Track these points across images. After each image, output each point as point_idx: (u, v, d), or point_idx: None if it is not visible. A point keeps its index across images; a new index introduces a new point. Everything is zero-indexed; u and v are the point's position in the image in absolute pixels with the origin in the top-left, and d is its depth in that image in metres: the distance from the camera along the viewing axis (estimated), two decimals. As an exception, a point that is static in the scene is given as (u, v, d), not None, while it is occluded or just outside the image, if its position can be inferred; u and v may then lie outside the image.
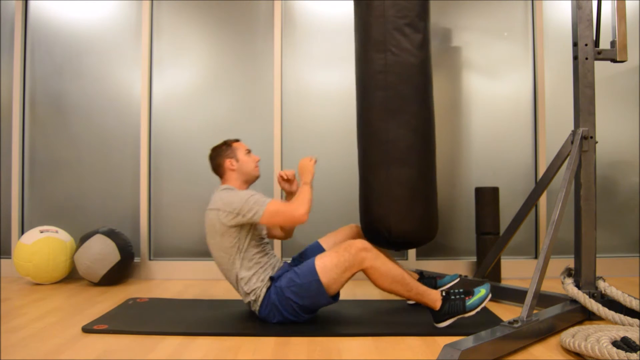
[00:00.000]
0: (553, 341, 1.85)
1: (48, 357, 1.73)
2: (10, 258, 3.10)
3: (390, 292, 2.02)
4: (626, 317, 1.95)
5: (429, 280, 2.35)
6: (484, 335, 1.67)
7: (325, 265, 1.98)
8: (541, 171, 3.02)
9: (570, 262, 2.29)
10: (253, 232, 2.12)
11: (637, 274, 3.02)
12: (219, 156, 2.24)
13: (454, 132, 3.14)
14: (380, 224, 2.19)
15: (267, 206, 2.01)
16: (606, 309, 1.99)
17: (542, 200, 3.04)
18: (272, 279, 2.09)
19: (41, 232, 2.90)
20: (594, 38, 2.19)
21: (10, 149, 3.18)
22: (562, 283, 2.16)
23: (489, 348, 1.62)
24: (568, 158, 2.17)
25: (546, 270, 1.94)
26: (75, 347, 1.83)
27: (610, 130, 3.11)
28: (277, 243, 3.06)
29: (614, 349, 1.57)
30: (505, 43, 3.14)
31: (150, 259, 3.12)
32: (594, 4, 2.24)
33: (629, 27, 3.01)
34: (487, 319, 2.07)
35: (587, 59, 2.18)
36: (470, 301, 1.97)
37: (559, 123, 3.09)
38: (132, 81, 3.18)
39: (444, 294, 2.01)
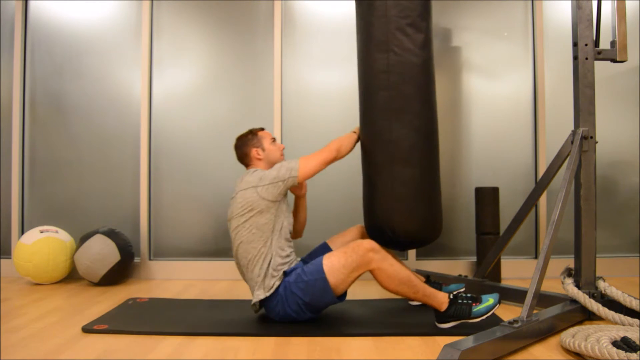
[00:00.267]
0: (553, 341, 1.85)
1: (48, 357, 1.73)
2: (10, 258, 3.10)
3: (396, 293, 2.02)
4: (626, 317, 1.95)
5: (435, 285, 2.35)
6: (484, 335, 1.67)
7: (332, 265, 1.98)
8: (541, 171, 3.02)
9: (570, 262, 2.29)
10: (287, 218, 2.15)
11: (637, 274, 3.02)
12: (245, 145, 2.24)
13: (454, 132, 3.14)
14: (383, 224, 2.19)
15: (298, 160, 2.11)
16: (606, 309, 1.99)
17: (542, 200, 3.04)
18: (285, 273, 2.09)
19: (41, 232, 2.90)
20: (594, 38, 2.19)
21: (10, 149, 3.18)
22: (562, 283, 2.16)
23: (489, 348, 1.62)
24: (568, 158, 2.17)
25: (546, 270, 1.94)
26: (75, 347, 1.83)
27: (610, 130, 3.11)
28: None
29: (614, 349, 1.57)
30: (505, 43, 3.14)
31: (150, 259, 3.12)
32: (594, 4, 2.24)
33: (629, 27, 3.01)
34: (487, 319, 2.07)
35: (587, 59, 2.18)
36: (477, 308, 1.97)
37: (559, 123, 3.09)
38: (132, 81, 3.18)
39: (452, 296, 2.01)
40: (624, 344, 1.61)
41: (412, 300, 2.20)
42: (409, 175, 2.17)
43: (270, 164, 2.22)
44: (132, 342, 1.89)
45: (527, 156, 3.12)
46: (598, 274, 2.17)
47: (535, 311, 1.90)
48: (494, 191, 2.82)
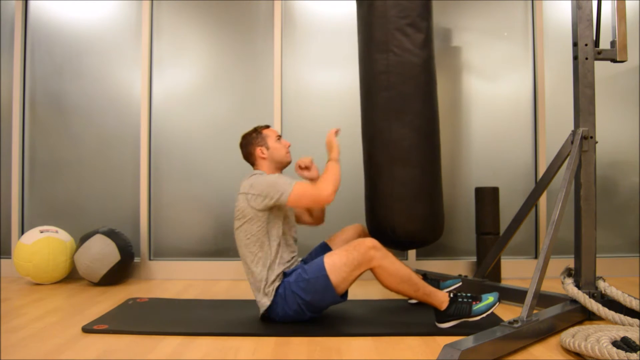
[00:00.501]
0: (553, 341, 1.85)
1: (48, 357, 1.73)
2: (10, 258, 3.10)
3: (397, 292, 2.02)
4: (626, 317, 1.95)
5: (432, 282, 2.35)
6: (484, 335, 1.67)
7: (334, 264, 1.98)
8: (541, 171, 3.02)
9: (570, 262, 2.29)
10: (283, 224, 2.12)
11: (637, 274, 3.02)
12: (249, 144, 2.21)
13: (454, 132, 3.14)
14: (384, 224, 2.19)
15: (293, 187, 2.02)
16: (606, 309, 1.99)
17: (542, 200, 3.04)
18: (284, 274, 2.09)
19: (41, 232, 2.89)
20: (594, 38, 2.19)
21: (10, 149, 3.18)
22: (562, 283, 2.16)
23: (489, 348, 1.62)
24: (568, 158, 2.17)
25: (546, 270, 1.94)
26: (75, 347, 1.83)
27: (610, 130, 3.11)
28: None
29: (614, 349, 1.57)
30: (505, 43, 3.14)
31: (150, 259, 3.12)
32: (594, 4, 2.24)
33: (629, 27, 3.01)
34: (487, 319, 2.07)
35: (587, 59, 2.18)
36: (477, 306, 1.97)
37: (559, 123, 3.09)
38: (132, 81, 3.18)
39: (451, 295, 2.01)
40: (624, 344, 1.61)
41: (412, 299, 2.20)
42: (409, 175, 2.17)
43: (276, 163, 2.20)
44: (132, 342, 1.89)
45: (527, 156, 3.12)
46: (598, 274, 2.17)
47: (535, 311, 1.90)
48: (494, 191, 2.82)
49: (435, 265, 3.03)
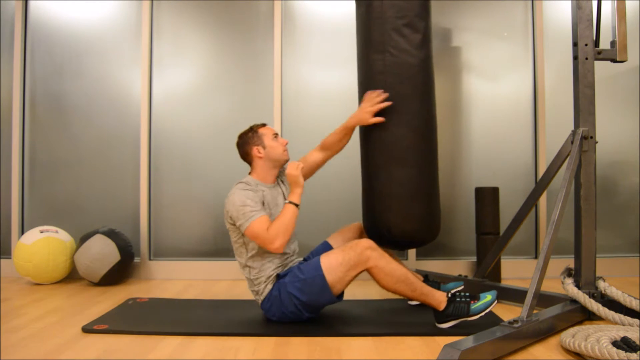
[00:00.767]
0: (553, 341, 1.85)
1: (48, 357, 1.73)
2: (10, 258, 3.10)
3: (394, 292, 2.02)
4: (626, 317, 1.95)
5: (433, 284, 2.35)
6: (484, 335, 1.67)
7: (330, 263, 1.98)
8: (541, 171, 3.02)
9: (570, 262, 2.29)
10: None
11: (637, 274, 3.02)
12: (246, 144, 2.19)
13: (454, 132, 3.14)
14: (380, 224, 2.20)
15: (250, 224, 1.99)
16: (606, 309, 1.99)
17: (542, 200, 3.04)
18: (278, 276, 2.09)
19: (41, 232, 2.89)
20: (594, 38, 2.18)
21: (10, 149, 3.18)
22: (562, 283, 2.16)
23: (489, 348, 1.62)
24: (568, 158, 2.17)
25: (546, 270, 1.94)
26: (75, 347, 1.83)
27: (610, 130, 3.11)
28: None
29: (614, 349, 1.57)
30: (505, 43, 3.14)
31: (150, 259, 3.12)
32: (594, 4, 2.24)
33: (629, 27, 3.01)
34: (487, 319, 2.07)
35: (587, 59, 2.18)
36: (475, 305, 1.97)
37: (559, 123, 3.09)
38: (132, 81, 3.18)
39: (449, 295, 2.01)
40: (624, 344, 1.61)
41: (411, 299, 2.20)
42: (406, 176, 2.17)
43: (273, 161, 2.18)
44: (132, 342, 1.89)
45: (527, 156, 3.12)
46: (598, 274, 2.17)
47: (535, 311, 1.90)
48: (494, 191, 2.82)
49: (435, 266, 3.03)
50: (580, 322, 2.07)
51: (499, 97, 3.13)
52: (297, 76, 3.16)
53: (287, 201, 2.08)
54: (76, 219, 3.16)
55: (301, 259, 2.32)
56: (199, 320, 2.14)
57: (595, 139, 2.17)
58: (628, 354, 1.53)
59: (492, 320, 2.04)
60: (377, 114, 2.16)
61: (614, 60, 2.23)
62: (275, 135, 2.22)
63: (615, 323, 1.95)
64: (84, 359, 1.71)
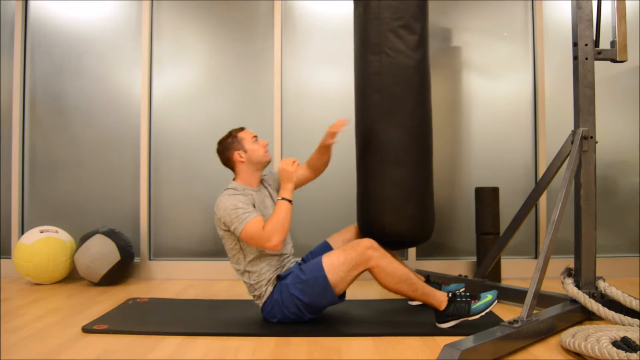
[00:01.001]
0: (553, 341, 1.85)
1: (48, 357, 1.73)
2: (10, 258, 3.10)
3: (395, 292, 2.02)
4: (626, 317, 1.95)
5: (434, 285, 2.35)
6: (484, 335, 1.67)
7: (332, 263, 1.98)
8: (541, 171, 3.02)
9: (570, 262, 2.29)
10: None
11: (637, 274, 3.02)
12: (226, 150, 2.17)
13: (454, 132, 3.14)
14: (374, 223, 2.20)
15: (245, 226, 1.97)
16: (606, 309, 1.99)
17: (542, 200, 3.04)
18: (279, 277, 2.09)
19: (41, 232, 2.89)
20: (594, 38, 2.18)
21: (10, 149, 3.18)
22: (562, 283, 2.16)
23: (489, 348, 1.62)
24: (568, 158, 2.17)
25: (546, 270, 1.94)
26: (75, 347, 1.83)
27: (610, 130, 3.11)
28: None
29: (614, 349, 1.57)
30: (505, 43, 3.14)
31: (150, 259, 3.12)
32: (594, 4, 2.24)
33: (629, 27, 3.01)
34: (487, 319, 2.07)
35: (587, 59, 2.18)
36: (475, 305, 1.97)
37: (559, 123, 3.09)
38: (132, 81, 3.18)
39: (450, 295, 2.01)
40: (624, 344, 1.61)
41: (412, 299, 2.20)
42: (400, 176, 2.18)
43: (255, 164, 2.16)
44: (132, 342, 1.89)
45: (527, 156, 3.12)
46: (598, 274, 2.17)
47: (535, 311, 1.90)
48: (494, 191, 2.82)
49: (435, 266, 3.03)
50: (580, 322, 2.06)
51: (499, 97, 3.13)
52: (297, 76, 3.16)
53: (279, 198, 2.07)
54: (76, 219, 3.16)
55: (298, 259, 2.31)
56: (199, 320, 2.14)
57: (595, 139, 2.17)
58: (628, 354, 1.53)
59: (492, 320, 2.04)
60: (375, 115, 2.17)
61: (614, 60, 2.23)
62: (255, 137, 2.20)
63: (615, 323, 1.95)
64: (84, 359, 1.71)
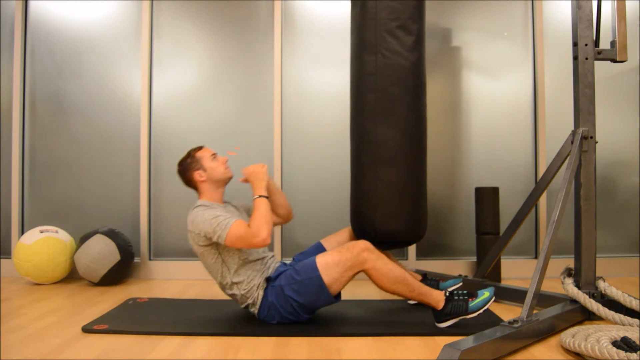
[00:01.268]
0: (553, 341, 1.85)
1: (48, 357, 1.73)
2: (10, 258, 3.10)
3: (392, 292, 2.02)
4: (626, 317, 1.95)
5: (432, 282, 2.35)
6: (484, 335, 1.67)
7: (327, 263, 1.98)
8: (541, 171, 3.02)
9: (570, 262, 2.29)
10: (237, 252, 2.08)
11: (637, 274, 3.02)
12: (186, 171, 2.19)
13: (454, 132, 3.14)
14: (366, 223, 2.21)
15: (229, 230, 1.96)
16: (606, 309, 1.99)
17: (542, 200, 3.04)
18: (268, 279, 2.08)
19: (41, 232, 2.89)
20: (594, 38, 2.19)
21: (10, 149, 3.18)
22: (562, 283, 2.16)
23: (489, 348, 1.62)
24: (568, 158, 2.17)
25: (546, 270, 1.94)
26: (75, 347, 1.83)
27: (610, 130, 3.11)
28: (277, 244, 3.05)
29: (614, 349, 1.57)
30: (505, 43, 3.14)
31: (150, 259, 3.12)
32: (594, 4, 2.24)
33: (629, 27, 3.01)
34: (487, 319, 2.07)
35: (587, 59, 2.18)
36: (473, 303, 1.97)
37: (559, 123, 3.09)
38: (132, 81, 3.18)
39: (447, 294, 2.01)
40: (624, 344, 1.61)
41: (410, 299, 2.20)
42: (393, 177, 2.18)
43: (216, 182, 2.17)
44: (132, 342, 1.89)
45: (527, 156, 3.12)
46: (598, 274, 2.17)
47: (535, 311, 1.90)
48: (494, 191, 2.82)
49: (435, 265, 3.03)
50: (580, 322, 2.07)
51: (499, 97, 3.13)
52: (297, 76, 3.16)
53: (255, 197, 2.07)
54: (76, 219, 3.16)
55: (288, 259, 2.30)
56: (199, 320, 2.14)
57: (595, 139, 2.17)
58: (628, 354, 1.53)
59: (492, 320, 2.04)
60: (370, 115, 2.18)
61: (614, 60, 2.23)
62: (214, 155, 2.21)
63: (615, 323, 1.95)
64: (84, 359, 1.71)
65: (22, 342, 1.89)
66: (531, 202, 2.41)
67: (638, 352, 1.54)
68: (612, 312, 1.97)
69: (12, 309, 2.37)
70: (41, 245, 2.84)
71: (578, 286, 2.13)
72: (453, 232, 3.11)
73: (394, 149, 2.18)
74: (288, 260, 2.39)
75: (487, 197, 2.82)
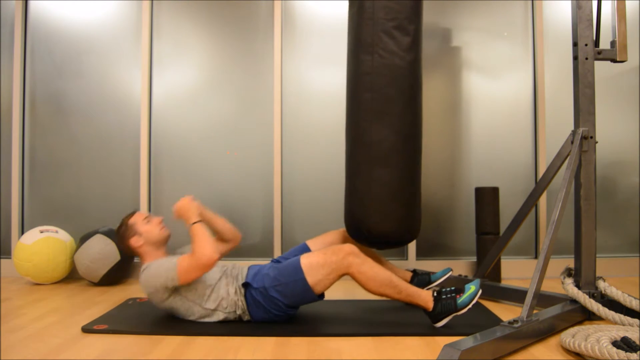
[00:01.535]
0: (553, 341, 1.85)
1: (48, 357, 1.73)
2: (10, 258, 3.10)
3: (380, 295, 2.02)
4: (626, 317, 1.94)
5: (423, 276, 2.35)
6: (484, 335, 1.67)
7: (311, 264, 1.98)
8: (541, 171, 3.02)
9: (570, 262, 2.29)
10: (197, 285, 2.06)
11: (637, 274, 3.02)
12: (123, 239, 2.21)
13: (454, 132, 3.14)
14: (360, 223, 2.21)
15: (177, 267, 1.97)
16: (606, 309, 1.99)
17: (542, 200, 3.04)
18: (245, 285, 2.07)
19: (41, 232, 2.89)
20: (594, 38, 2.19)
21: (10, 149, 3.18)
22: (562, 283, 2.16)
23: (489, 348, 1.62)
24: (568, 158, 2.17)
25: (546, 270, 1.94)
26: (75, 347, 1.83)
27: (610, 130, 3.11)
28: (277, 244, 3.06)
29: (614, 349, 1.57)
30: (505, 43, 3.14)
31: (150, 259, 3.12)
32: (594, 4, 2.24)
33: (629, 27, 3.01)
34: (487, 319, 2.07)
35: (587, 59, 2.18)
36: (461, 299, 1.98)
37: (559, 123, 3.09)
38: (132, 81, 3.18)
39: (435, 294, 2.01)
40: (624, 344, 1.61)
41: (399, 301, 2.20)
42: (387, 177, 2.18)
43: (154, 243, 2.19)
44: (132, 342, 1.89)
45: (527, 156, 3.12)
46: (598, 274, 2.17)
47: (535, 311, 1.90)
48: (494, 191, 2.82)
49: (435, 265, 3.03)
50: (580, 322, 2.07)
51: (499, 97, 3.13)
52: (297, 76, 3.16)
53: (188, 226, 2.07)
54: (76, 219, 3.16)
55: (247, 262, 2.28)
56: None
57: (595, 139, 2.17)
58: (628, 354, 1.53)
59: (492, 320, 2.04)
60: (365, 115, 2.19)
61: (614, 60, 2.23)
62: (147, 218, 2.24)
63: (615, 323, 1.95)
64: (84, 359, 1.71)
65: (22, 342, 1.89)
66: (531, 202, 2.41)
67: (638, 352, 1.54)
68: (612, 312, 1.97)
69: (12, 309, 2.37)
70: (41, 245, 2.84)
71: (578, 286, 2.14)
72: (453, 232, 3.12)
73: (389, 149, 2.18)
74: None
75: (487, 197, 2.82)
